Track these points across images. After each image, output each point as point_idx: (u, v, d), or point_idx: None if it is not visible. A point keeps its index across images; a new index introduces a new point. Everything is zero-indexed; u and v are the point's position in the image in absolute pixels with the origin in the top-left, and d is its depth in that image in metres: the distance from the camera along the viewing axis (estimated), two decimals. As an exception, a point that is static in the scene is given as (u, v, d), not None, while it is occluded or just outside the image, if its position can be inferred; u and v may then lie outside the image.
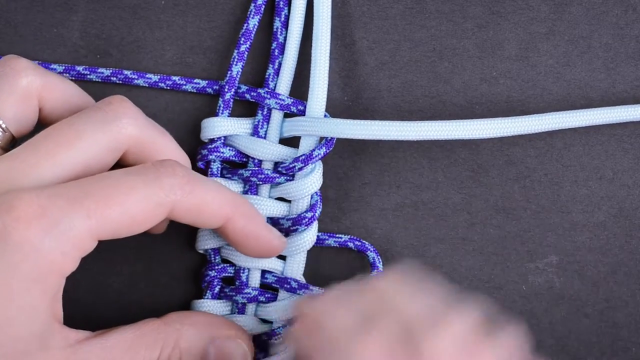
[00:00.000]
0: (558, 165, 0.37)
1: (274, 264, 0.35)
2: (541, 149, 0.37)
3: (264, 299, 0.35)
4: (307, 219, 0.35)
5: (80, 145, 0.27)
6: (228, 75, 0.35)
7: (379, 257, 0.36)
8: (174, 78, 0.36)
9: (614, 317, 0.37)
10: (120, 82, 0.36)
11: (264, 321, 0.35)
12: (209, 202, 0.30)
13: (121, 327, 0.29)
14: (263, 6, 0.36)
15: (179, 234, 0.36)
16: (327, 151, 0.34)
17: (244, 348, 0.32)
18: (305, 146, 0.35)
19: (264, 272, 0.35)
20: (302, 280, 0.35)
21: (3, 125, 0.29)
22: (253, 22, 0.36)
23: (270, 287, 0.35)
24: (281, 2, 0.36)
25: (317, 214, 0.35)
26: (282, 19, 0.36)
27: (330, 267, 0.36)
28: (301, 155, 0.34)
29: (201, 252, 0.36)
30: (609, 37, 0.37)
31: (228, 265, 0.35)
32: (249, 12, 0.36)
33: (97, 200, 0.26)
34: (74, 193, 0.26)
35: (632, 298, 0.37)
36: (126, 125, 0.29)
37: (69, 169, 0.27)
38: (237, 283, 0.35)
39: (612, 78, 0.37)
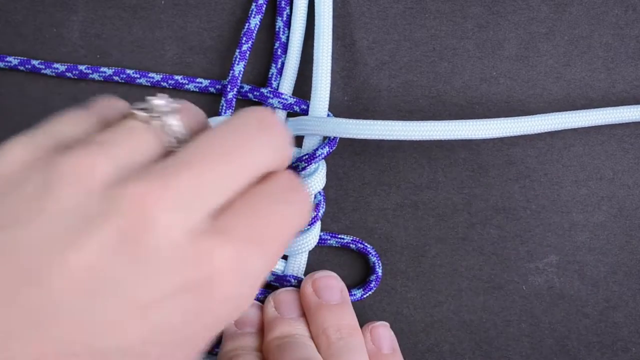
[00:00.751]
0: (558, 165, 0.37)
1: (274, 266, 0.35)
2: (541, 149, 0.37)
3: (264, 298, 0.35)
4: (310, 219, 0.35)
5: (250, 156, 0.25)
6: (230, 74, 0.35)
7: (379, 261, 0.36)
8: (176, 77, 0.36)
9: (614, 317, 0.37)
10: (123, 81, 0.36)
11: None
12: None
13: None
14: (264, 6, 0.36)
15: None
16: (331, 150, 0.34)
17: None
18: (308, 145, 0.35)
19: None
20: (302, 277, 0.35)
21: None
22: (254, 21, 0.36)
23: (270, 286, 0.35)
24: (283, 2, 0.36)
25: (320, 214, 0.35)
26: (284, 19, 0.36)
27: (330, 268, 0.36)
28: (304, 155, 0.34)
29: None
30: (609, 37, 0.37)
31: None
32: (250, 12, 0.36)
33: (273, 244, 0.24)
34: (252, 239, 0.23)
35: (632, 298, 0.37)
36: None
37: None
38: None
39: (612, 78, 0.37)
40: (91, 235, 0.20)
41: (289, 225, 0.25)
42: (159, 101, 0.25)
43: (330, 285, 0.35)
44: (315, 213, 0.35)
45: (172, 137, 0.24)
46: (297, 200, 0.25)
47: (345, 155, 0.37)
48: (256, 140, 0.24)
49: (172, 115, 0.24)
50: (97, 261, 0.20)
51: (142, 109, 0.24)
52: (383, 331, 0.35)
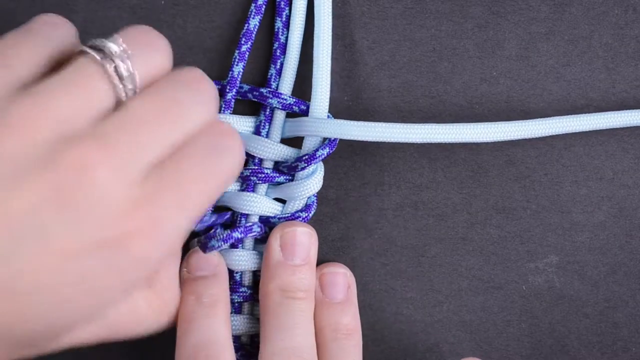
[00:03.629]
0: (558, 165, 0.37)
1: None
2: (541, 149, 0.37)
3: (258, 297, 0.35)
4: (300, 219, 0.35)
5: None
6: (229, 75, 0.35)
7: None
8: None
9: (614, 317, 0.37)
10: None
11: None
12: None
13: None
14: (264, 6, 0.36)
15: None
16: (330, 152, 0.34)
17: None
18: (308, 146, 0.35)
19: (255, 271, 0.36)
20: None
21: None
22: (254, 22, 0.36)
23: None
24: (282, 3, 0.36)
25: (310, 215, 0.35)
26: (284, 19, 0.36)
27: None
28: (304, 155, 0.34)
29: None
30: (609, 37, 0.37)
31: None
32: (249, 12, 0.36)
33: (194, 196, 0.25)
34: (179, 190, 0.25)
35: (632, 298, 0.37)
36: None
37: None
38: (230, 283, 0.35)
39: (612, 78, 0.37)
40: (27, 184, 0.22)
41: (216, 180, 0.26)
42: (115, 47, 0.25)
43: (336, 282, 0.35)
44: (307, 214, 0.35)
45: (124, 90, 0.25)
46: (227, 151, 0.26)
47: (345, 155, 0.37)
48: (188, 100, 0.26)
49: (127, 62, 0.25)
50: (28, 208, 0.22)
51: (95, 48, 0.25)
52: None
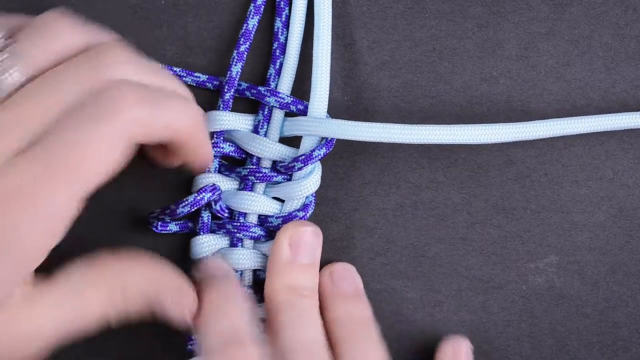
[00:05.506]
0: (558, 165, 0.37)
1: (266, 264, 0.35)
2: (541, 149, 0.37)
3: (259, 298, 0.35)
4: (298, 219, 0.35)
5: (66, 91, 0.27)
6: (228, 75, 0.35)
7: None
8: (175, 69, 0.35)
9: (614, 317, 0.37)
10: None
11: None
12: (174, 121, 0.29)
13: (69, 267, 0.29)
14: (262, 6, 0.36)
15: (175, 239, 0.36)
16: (327, 152, 0.34)
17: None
18: (306, 146, 0.35)
19: (255, 270, 0.36)
20: None
21: None
22: (252, 22, 0.36)
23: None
24: (282, 2, 0.36)
25: (308, 215, 0.35)
26: (283, 19, 0.36)
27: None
28: (301, 155, 0.34)
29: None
30: (609, 37, 0.37)
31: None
32: (248, 13, 0.36)
33: (76, 167, 0.25)
34: (50, 163, 0.25)
35: (632, 298, 0.37)
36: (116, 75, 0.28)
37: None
38: None
39: (612, 78, 0.37)
40: None
41: (97, 147, 0.26)
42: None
43: (347, 277, 0.35)
44: (304, 213, 0.35)
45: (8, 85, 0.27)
46: (108, 116, 0.26)
47: (345, 155, 0.37)
48: (66, 78, 0.27)
49: (11, 64, 0.27)
50: None
51: None
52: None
